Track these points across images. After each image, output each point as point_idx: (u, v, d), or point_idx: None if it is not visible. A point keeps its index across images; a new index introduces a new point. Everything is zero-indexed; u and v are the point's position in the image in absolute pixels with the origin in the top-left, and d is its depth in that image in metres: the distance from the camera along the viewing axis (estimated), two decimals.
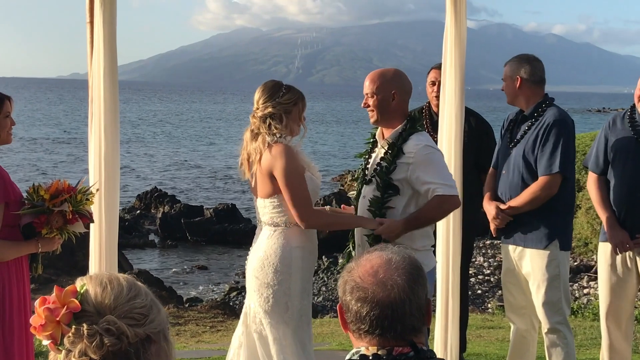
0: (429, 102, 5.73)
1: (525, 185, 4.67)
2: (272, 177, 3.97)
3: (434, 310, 4.24)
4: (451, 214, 4.21)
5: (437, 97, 5.32)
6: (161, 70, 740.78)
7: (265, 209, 4.05)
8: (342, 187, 23.18)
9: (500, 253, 10.36)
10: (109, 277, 1.60)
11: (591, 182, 4.85)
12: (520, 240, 4.71)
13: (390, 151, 4.11)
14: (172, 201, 21.17)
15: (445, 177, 4.03)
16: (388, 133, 4.18)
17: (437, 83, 5.46)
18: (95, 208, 4.09)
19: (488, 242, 14.62)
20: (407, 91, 4.20)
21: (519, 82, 4.75)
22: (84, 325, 1.46)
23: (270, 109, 4.02)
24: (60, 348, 1.49)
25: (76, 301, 1.52)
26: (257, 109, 4.06)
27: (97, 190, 4.06)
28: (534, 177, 4.65)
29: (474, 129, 5.56)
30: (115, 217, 4.26)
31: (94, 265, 4.21)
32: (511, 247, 4.78)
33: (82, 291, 1.54)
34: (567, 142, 4.63)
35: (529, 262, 4.65)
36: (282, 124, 4.01)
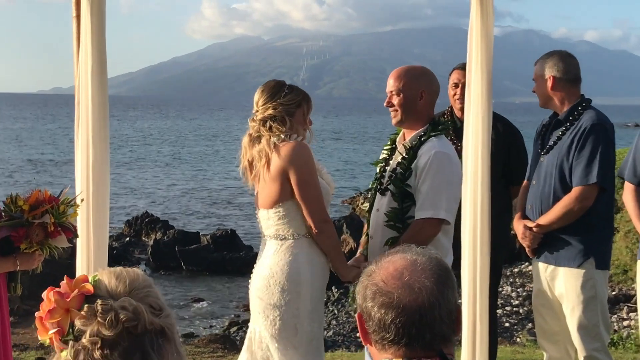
0: (451, 107, 5.70)
1: (557, 197, 4.65)
2: (284, 180, 3.96)
3: (459, 342, 4.23)
4: (478, 235, 4.17)
5: (461, 100, 5.30)
6: (152, 83, 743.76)
7: (269, 220, 4.04)
8: (353, 210, 23.19)
9: (530, 282, 10.30)
10: (121, 269, 1.63)
11: (628, 193, 4.82)
12: (552, 258, 4.69)
13: (407, 156, 4.13)
14: (164, 227, 21.13)
15: (440, 195, 4.00)
16: (410, 136, 4.20)
17: (460, 85, 5.43)
18: (82, 221, 4.05)
19: (516, 269, 14.59)
20: (435, 91, 4.24)
21: (551, 82, 4.74)
22: (98, 301, 1.48)
23: (270, 111, 4.04)
24: (67, 339, 1.49)
25: (88, 285, 1.54)
26: (257, 111, 4.08)
27: (83, 200, 4.00)
28: (568, 188, 4.63)
29: (502, 135, 5.52)
30: (105, 231, 4.19)
31: None
32: (542, 266, 4.76)
33: (95, 279, 1.57)
34: (606, 149, 4.60)
35: (562, 283, 4.64)
36: (286, 126, 4.02)
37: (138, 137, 64.89)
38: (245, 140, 4.13)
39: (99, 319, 1.44)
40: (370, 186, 4.45)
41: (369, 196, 4.42)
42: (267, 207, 4.03)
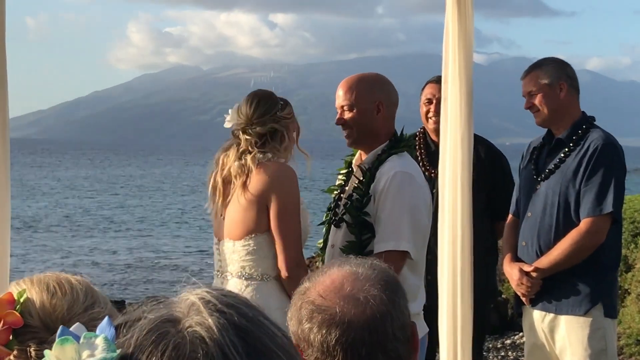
0: (423, 128, 5.74)
1: (560, 231, 4.65)
2: (262, 207, 3.98)
3: None
4: (458, 280, 4.13)
5: (435, 119, 5.30)
6: (67, 123, 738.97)
7: (234, 254, 4.04)
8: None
9: (521, 356, 10.33)
10: (56, 279, 1.59)
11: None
12: (552, 305, 4.69)
13: (363, 179, 4.12)
14: None
15: (401, 224, 3.98)
16: (367, 157, 4.22)
17: (435, 101, 5.44)
18: None
19: (508, 340, 14.60)
20: (394, 102, 4.27)
21: (565, 90, 4.78)
22: (31, 345, 1.43)
23: (272, 124, 4.11)
24: None
25: (16, 313, 1.49)
26: (253, 124, 4.12)
27: None
28: (573, 221, 4.64)
29: (485, 161, 5.53)
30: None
31: None
32: (538, 315, 4.77)
33: (22, 300, 1.52)
34: (621, 173, 4.66)
35: (565, 334, 4.64)
36: (283, 145, 4.11)
37: (52, 189, 64.25)
38: (231, 153, 4.14)
39: None
40: (323, 218, 4.43)
41: (323, 230, 4.38)
42: (235, 238, 4.03)
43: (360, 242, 4.05)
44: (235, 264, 4.01)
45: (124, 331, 1.04)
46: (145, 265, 27.84)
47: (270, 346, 1.05)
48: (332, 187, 4.45)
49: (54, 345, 1.03)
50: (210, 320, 1.03)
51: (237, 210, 4.03)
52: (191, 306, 1.06)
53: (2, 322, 1.47)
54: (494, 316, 11.51)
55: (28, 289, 1.56)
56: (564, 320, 4.64)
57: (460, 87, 4.56)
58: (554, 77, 4.79)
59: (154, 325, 1.04)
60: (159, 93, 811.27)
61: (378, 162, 4.12)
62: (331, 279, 1.82)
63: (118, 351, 1.01)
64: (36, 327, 1.48)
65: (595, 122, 4.83)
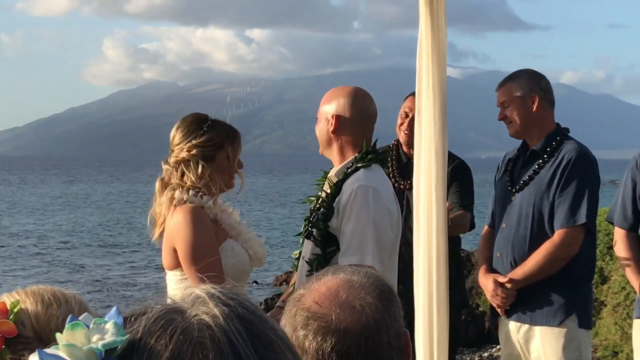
0: (397, 141, 5.83)
1: (534, 242, 4.67)
2: (170, 247, 4.00)
3: None
4: (434, 293, 4.10)
5: (409, 133, 5.35)
6: (43, 139, 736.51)
7: (170, 283, 4.08)
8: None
9: None
10: (51, 292, 1.60)
11: (619, 239, 4.81)
12: (527, 316, 4.71)
13: (329, 191, 4.12)
14: None
15: (365, 237, 3.94)
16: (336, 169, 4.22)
17: (411, 115, 5.48)
18: None
19: (486, 354, 14.62)
20: (372, 114, 4.27)
21: (537, 102, 4.81)
22: (25, 355, 1.42)
23: (184, 154, 4.03)
24: None
25: (10, 322, 1.49)
26: (172, 151, 4.09)
27: None
28: (547, 231, 4.66)
29: (449, 173, 5.56)
30: None
31: None
32: (513, 326, 4.79)
33: (15, 310, 1.53)
34: (594, 185, 4.67)
35: (540, 345, 4.67)
36: (197, 175, 3.98)
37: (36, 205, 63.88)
38: (158, 184, 4.13)
39: None
40: (302, 229, 4.40)
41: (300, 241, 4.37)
42: (167, 269, 4.07)
43: (324, 255, 4.03)
44: (173, 292, 4.01)
45: (131, 323, 1.07)
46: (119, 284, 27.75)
47: (272, 337, 1.09)
48: (310, 198, 4.42)
49: (65, 330, 1.05)
50: (215, 310, 1.06)
51: (162, 245, 4.09)
52: (196, 298, 1.09)
53: None
54: (471, 329, 11.56)
55: (22, 300, 1.56)
56: (539, 331, 4.66)
57: (434, 100, 4.57)
58: (527, 90, 4.82)
59: (161, 313, 1.07)
60: (135, 109, 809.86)
61: (345, 175, 4.11)
62: (326, 286, 1.82)
63: (127, 335, 1.04)
64: (29, 337, 1.49)
65: (569, 134, 4.86)
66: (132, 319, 1.08)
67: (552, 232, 4.69)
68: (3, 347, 1.47)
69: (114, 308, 1.08)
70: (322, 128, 4.21)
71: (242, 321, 1.06)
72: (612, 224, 4.90)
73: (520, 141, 4.97)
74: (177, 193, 3.99)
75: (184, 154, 4.02)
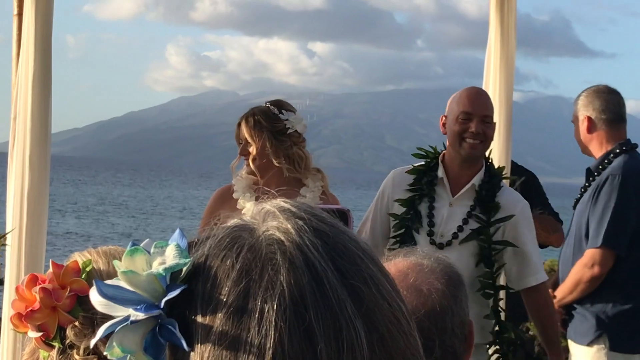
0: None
1: (576, 261, 4.71)
2: None
3: None
4: None
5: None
6: (101, 142, 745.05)
7: None
8: None
9: None
10: (123, 252, 1.55)
11: None
12: (566, 332, 4.79)
13: (484, 204, 4.35)
14: None
15: (538, 254, 4.41)
16: (467, 177, 4.41)
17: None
18: (13, 262, 4.24)
19: None
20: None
21: (587, 123, 4.80)
22: (97, 314, 1.36)
23: None
24: (53, 343, 1.47)
25: (82, 281, 1.50)
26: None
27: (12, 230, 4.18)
28: (584, 251, 4.69)
29: (519, 191, 5.53)
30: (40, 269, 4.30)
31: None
32: None
33: (87, 269, 1.54)
34: (621, 203, 4.60)
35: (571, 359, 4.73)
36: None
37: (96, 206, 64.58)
38: None
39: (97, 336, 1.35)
40: (395, 233, 4.55)
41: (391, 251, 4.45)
42: None
43: (493, 274, 4.27)
44: None
45: (196, 247, 1.04)
46: None
47: (352, 249, 1.02)
48: (405, 200, 4.53)
49: (123, 257, 1.01)
50: (287, 223, 1.00)
51: None
52: (266, 214, 1.04)
53: (67, 289, 1.48)
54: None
55: (94, 260, 1.57)
56: (571, 346, 4.72)
57: (499, 123, 4.58)
58: (580, 111, 4.83)
59: (227, 232, 1.02)
60: (195, 116, 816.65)
61: (492, 186, 4.38)
62: (397, 268, 1.82)
63: (191, 258, 1.00)
64: None
65: (633, 149, 4.79)
66: (198, 241, 1.04)
67: None
68: (75, 305, 1.47)
69: (177, 230, 1.05)
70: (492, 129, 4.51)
71: (318, 233, 1.00)
72: None
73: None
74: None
75: None
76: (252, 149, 4.66)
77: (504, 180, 4.50)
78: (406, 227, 4.44)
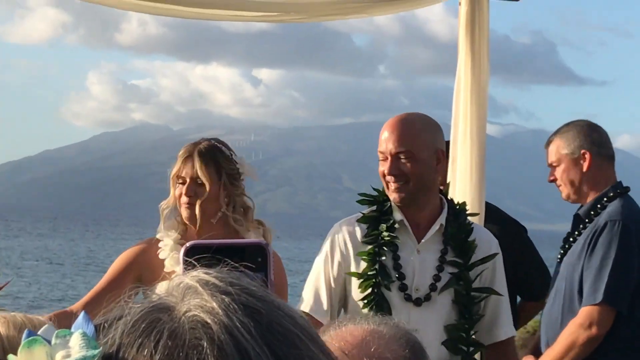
0: None
1: (566, 320, 4.68)
2: None
3: None
4: None
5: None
6: (12, 186, 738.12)
7: None
8: None
9: None
10: (24, 316, 1.64)
11: None
12: None
13: (457, 247, 4.37)
14: None
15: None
16: (427, 218, 4.41)
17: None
18: None
19: None
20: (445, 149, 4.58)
21: (588, 161, 4.80)
22: None
23: None
24: None
25: None
26: None
27: None
28: (577, 310, 4.67)
29: (500, 238, 5.54)
30: None
31: None
32: None
33: None
34: (623, 254, 4.59)
35: None
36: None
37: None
38: None
39: None
40: (362, 293, 4.48)
41: (365, 303, 4.45)
42: None
43: (467, 326, 4.26)
44: None
45: (104, 331, 0.99)
46: None
47: (289, 327, 1.00)
48: (365, 251, 4.49)
49: (19, 350, 0.98)
50: (212, 301, 0.98)
51: None
52: (187, 289, 1.01)
53: None
54: None
55: None
56: None
57: (471, 160, 4.61)
58: (576, 146, 4.82)
59: (142, 315, 0.99)
60: (121, 154, 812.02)
61: (466, 226, 4.39)
62: (353, 336, 1.82)
63: (100, 348, 0.96)
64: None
65: (626, 193, 4.79)
66: (106, 325, 1.00)
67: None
68: None
69: (82, 314, 1.01)
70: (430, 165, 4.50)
71: (249, 311, 0.97)
72: None
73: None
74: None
75: None
76: (204, 190, 4.67)
77: (471, 218, 4.52)
78: (373, 286, 4.41)
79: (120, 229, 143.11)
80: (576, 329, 4.60)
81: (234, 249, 1.93)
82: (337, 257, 4.56)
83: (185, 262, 1.72)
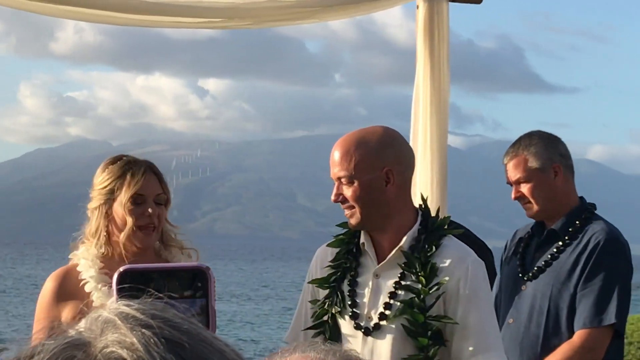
0: None
1: (548, 342, 4.67)
2: None
3: None
4: None
5: None
6: None
7: None
8: None
9: None
10: None
11: None
12: None
13: (418, 271, 4.27)
14: None
15: (494, 328, 4.33)
16: (393, 238, 4.37)
17: None
18: None
19: None
20: (405, 164, 4.47)
21: (561, 174, 4.86)
22: None
23: (91, 203, 4.54)
24: None
25: None
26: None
27: None
28: (567, 330, 4.68)
29: None
30: None
31: None
32: None
33: None
34: (626, 277, 4.70)
35: None
36: (91, 228, 4.54)
37: None
38: None
39: None
40: (313, 320, 4.52)
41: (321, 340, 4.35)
42: None
43: (427, 356, 4.19)
44: None
45: None
46: None
47: None
48: (322, 279, 4.51)
49: None
50: (132, 336, 0.96)
51: None
52: (105, 324, 0.99)
53: None
54: None
55: None
56: None
57: (431, 174, 4.63)
58: (546, 159, 4.84)
59: (55, 352, 0.96)
60: (57, 173, 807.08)
61: (431, 246, 4.31)
62: None
63: None
64: None
65: (596, 212, 4.87)
66: None
67: (571, 331, 4.69)
68: None
69: None
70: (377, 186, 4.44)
71: (172, 346, 0.96)
72: None
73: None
74: (76, 253, 4.58)
75: (91, 203, 4.57)
76: (165, 211, 4.67)
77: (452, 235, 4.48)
78: (327, 314, 4.43)
79: (59, 254, 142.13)
80: (577, 350, 4.61)
81: (171, 274, 1.90)
82: (310, 284, 4.61)
83: (120, 290, 1.66)
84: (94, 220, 4.64)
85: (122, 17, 5.42)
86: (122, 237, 4.55)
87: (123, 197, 4.52)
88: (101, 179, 4.57)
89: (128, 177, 4.55)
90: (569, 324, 4.70)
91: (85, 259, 4.57)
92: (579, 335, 4.65)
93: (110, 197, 4.56)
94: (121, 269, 1.80)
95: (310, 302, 4.55)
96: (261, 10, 5.26)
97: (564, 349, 4.64)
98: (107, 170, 4.59)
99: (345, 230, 4.51)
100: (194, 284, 1.83)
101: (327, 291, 4.47)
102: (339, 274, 4.47)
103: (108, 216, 4.59)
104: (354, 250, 4.49)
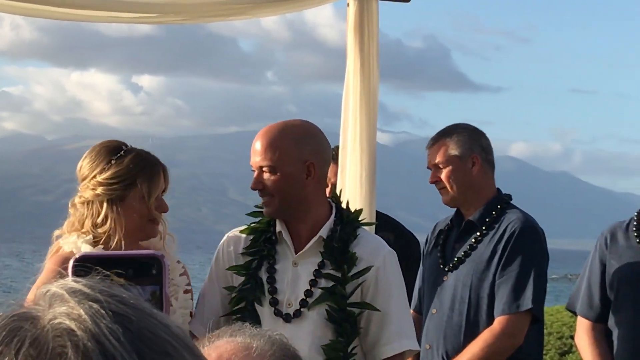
0: None
1: (471, 331, 4.72)
2: None
3: None
4: None
5: None
6: None
7: None
8: None
9: None
10: None
11: (582, 332, 4.85)
12: None
13: (338, 258, 4.30)
14: None
15: (409, 316, 4.37)
16: (310, 228, 4.38)
17: (330, 185, 5.41)
18: None
19: None
20: (324, 158, 4.45)
21: (478, 164, 4.90)
22: None
23: (88, 193, 4.04)
24: None
25: None
26: (79, 191, 4.10)
27: None
28: (487, 318, 4.72)
29: (394, 246, 5.57)
30: None
31: None
32: None
33: None
34: (542, 264, 4.74)
35: None
36: (97, 220, 4.02)
37: None
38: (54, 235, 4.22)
39: None
40: (235, 307, 4.47)
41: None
42: None
43: (348, 342, 4.19)
44: None
45: None
46: None
47: (161, 335, 1.00)
48: (241, 265, 4.47)
49: None
50: (79, 308, 0.97)
51: None
52: (53, 297, 1.00)
53: None
54: None
55: None
56: None
57: (360, 171, 4.63)
58: (466, 148, 4.90)
59: (4, 323, 0.97)
60: None
61: (350, 237, 4.32)
62: (218, 353, 1.76)
63: None
64: None
65: (512, 202, 4.91)
66: None
67: (492, 319, 4.73)
68: None
69: None
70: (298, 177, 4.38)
71: (118, 318, 0.97)
72: (574, 313, 4.94)
73: (454, 210, 5.04)
74: (68, 240, 4.00)
75: (88, 194, 4.05)
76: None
77: (365, 228, 4.50)
78: (246, 300, 4.41)
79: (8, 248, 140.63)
80: (497, 337, 4.65)
81: (127, 261, 1.90)
82: (220, 270, 4.57)
83: (75, 275, 1.60)
84: (85, 211, 4.19)
85: (57, 11, 5.35)
86: (133, 229, 4.33)
87: (151, 191, 4.40)
88: (112, 173, 4.15)
89: (160, 172, 4.55)
90: (490, 312, 4.75)
91: (86, 245, 4.18)
92: (498, 321, 4.69)
93: (124, 190, 4.22)
94: (77, 255, 1.78)
95: (225, 288, 4.51)
96: (196, 6, 5.23)
97: (485, 335, 4.68)
98: (120, 162, 4.22)
99: (260, 218, 4.51)
100: (150, 271, 1.84)
101: (242, 278, 4.46)
102: (255, 261, 4.46)
103: (113, 208, 4.20)
104: (272, 237, 4.48)
